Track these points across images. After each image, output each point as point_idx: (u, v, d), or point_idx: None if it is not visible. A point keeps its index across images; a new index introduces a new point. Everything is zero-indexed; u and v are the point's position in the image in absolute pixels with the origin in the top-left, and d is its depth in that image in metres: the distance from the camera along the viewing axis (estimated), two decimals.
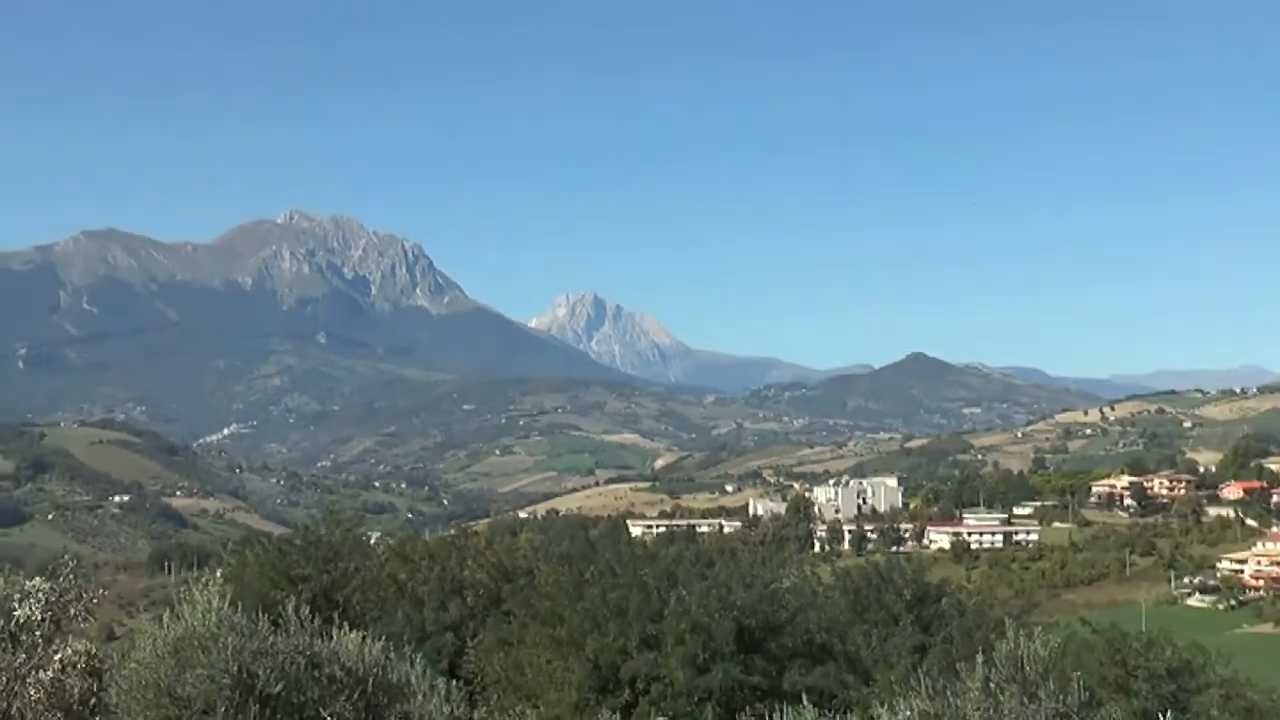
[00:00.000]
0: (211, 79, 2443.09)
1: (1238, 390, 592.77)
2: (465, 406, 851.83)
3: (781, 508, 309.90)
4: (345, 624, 12.82)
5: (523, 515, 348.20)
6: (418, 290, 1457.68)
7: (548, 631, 33.15)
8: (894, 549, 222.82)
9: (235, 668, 10.59)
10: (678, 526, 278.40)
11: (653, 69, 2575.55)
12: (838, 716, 10.89)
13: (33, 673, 10.05)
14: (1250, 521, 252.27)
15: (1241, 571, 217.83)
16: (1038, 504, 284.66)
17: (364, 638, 12.37)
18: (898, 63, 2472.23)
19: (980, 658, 11.13)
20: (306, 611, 12.21)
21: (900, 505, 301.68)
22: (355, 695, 11.26)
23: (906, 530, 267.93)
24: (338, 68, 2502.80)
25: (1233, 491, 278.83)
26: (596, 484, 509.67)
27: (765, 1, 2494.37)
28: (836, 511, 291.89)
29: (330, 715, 10.24)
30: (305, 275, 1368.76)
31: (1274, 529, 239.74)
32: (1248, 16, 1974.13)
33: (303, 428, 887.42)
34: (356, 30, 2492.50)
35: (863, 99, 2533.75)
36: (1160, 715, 8.28)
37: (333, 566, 38.31)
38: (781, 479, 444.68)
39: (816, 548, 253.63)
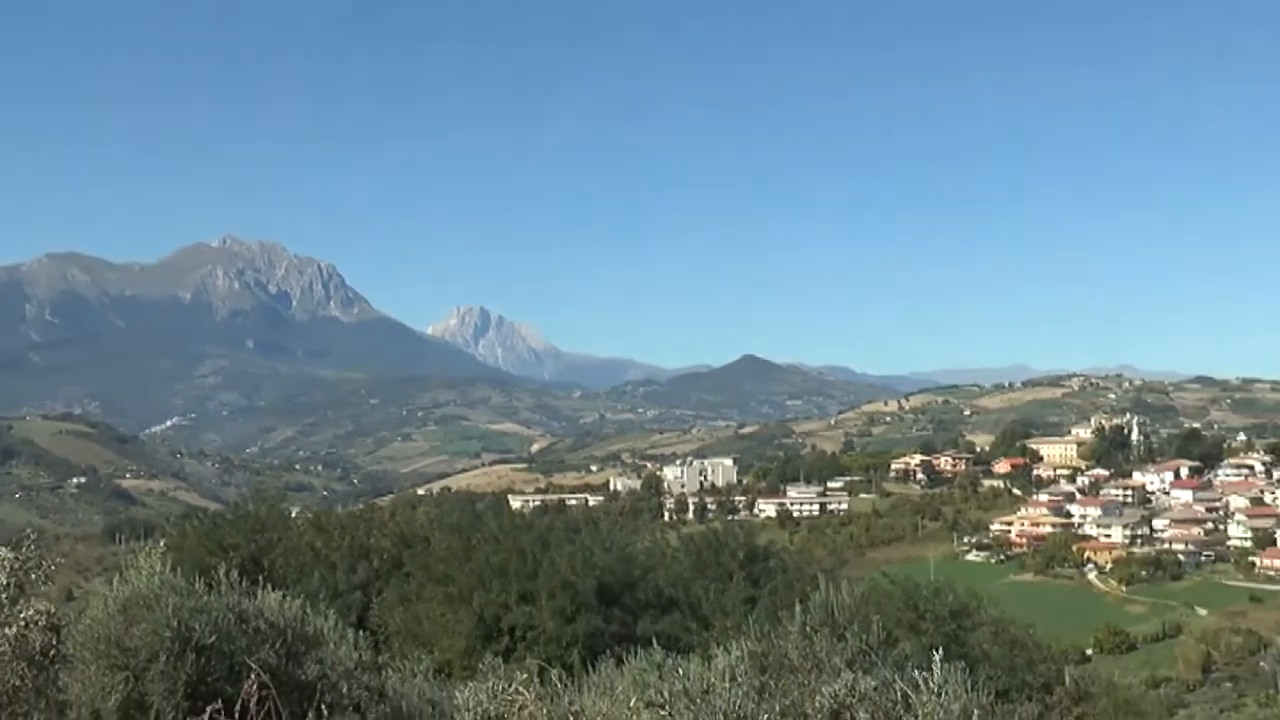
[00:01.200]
0: (159, 106, 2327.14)
1: (1007, 384, 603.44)
2: (372, 401, 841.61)
3: (637, 484, 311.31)
4: (269, 585, 12.65)
5: (420, 492, 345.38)
6: (331, 303, 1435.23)
7: (441, 589, 33.03)
8: (730, 517, 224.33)
9: (175, 623, 10.43)
10: (550, 500, 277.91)
11: (546, 90, 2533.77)
12: (682, 657, 10.92)
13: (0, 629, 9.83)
14: (1016, 491, 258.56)
15: (1009, 532, 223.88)
16: (847, 479, 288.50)
17: (285, 596, 12.22)
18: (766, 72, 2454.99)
19: (799, 606, 11.25)
20: (236, 575, 12.06)
21: (735, 481, 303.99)
22: (278, 644, 11.15)
23: (740, 502, 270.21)
24: (276, 91, 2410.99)
25: (1002, 467, 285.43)
26: (482, 465, 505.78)
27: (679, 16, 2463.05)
28: (682, 487, 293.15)
29: (256, 661, 10.13)
30: (236, 291, 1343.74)
31: (1034, 497, 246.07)
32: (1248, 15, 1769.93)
33: (234, 420, 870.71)
34: (285, 56, 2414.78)
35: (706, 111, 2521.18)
36: (938, 649, 8.46)
37: (259, 536, 37.73)
38: (637, 460, 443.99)
39: (666, 517, 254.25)
